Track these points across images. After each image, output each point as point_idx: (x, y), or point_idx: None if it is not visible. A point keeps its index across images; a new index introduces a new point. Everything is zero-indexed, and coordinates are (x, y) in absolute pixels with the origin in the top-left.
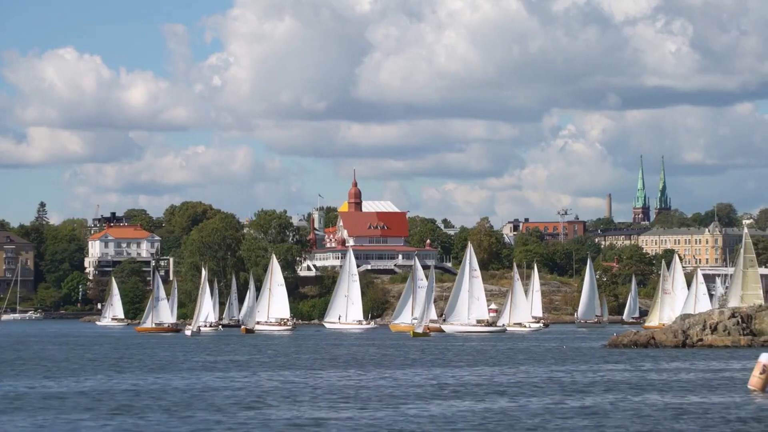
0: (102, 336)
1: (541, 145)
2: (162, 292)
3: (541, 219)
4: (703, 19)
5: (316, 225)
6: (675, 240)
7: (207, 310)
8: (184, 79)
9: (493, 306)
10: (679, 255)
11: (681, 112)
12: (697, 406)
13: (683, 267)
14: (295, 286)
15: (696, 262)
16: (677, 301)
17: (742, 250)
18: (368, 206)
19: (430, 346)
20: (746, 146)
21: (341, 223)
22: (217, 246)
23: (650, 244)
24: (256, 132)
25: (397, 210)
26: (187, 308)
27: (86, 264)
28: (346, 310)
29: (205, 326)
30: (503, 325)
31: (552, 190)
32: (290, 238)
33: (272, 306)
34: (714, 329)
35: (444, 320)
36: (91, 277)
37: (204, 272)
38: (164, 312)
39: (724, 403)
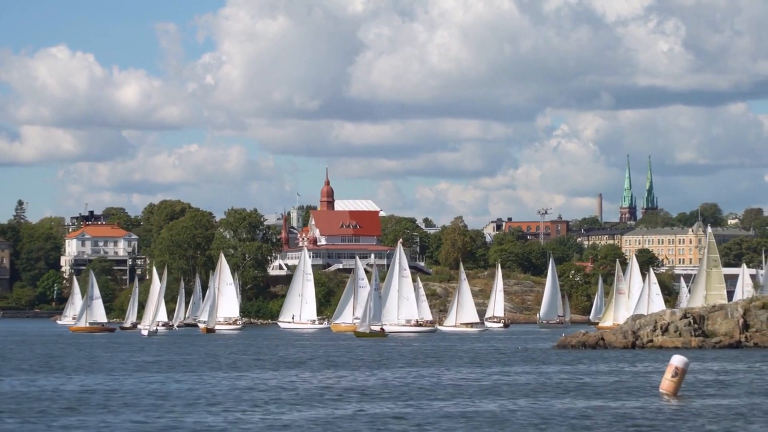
0: (39, 336)
1: (535, 144)
2: (96, 291)
3: (532, 219)
4: (696, 18)
5: (294, 224)
6: (658, 240)
7: (160, 310)
8: (177, 77)
9: None
10: (653, 255)
11: (674, 111)
12: (597, 410)
13: (662, 266)
14: (265, 285)
15: (679, 262)
16: (633, 302)
17: (705, 251)
18: (342, 205)
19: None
20: (739, 146)
21: (313, 222)
22: (186, 244)
23: (633, 243)
24: (249, 131)
25: (375, 209)
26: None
27: (63, 263)
28: (300, 310)
29: (159, 326)
30: (435, 325)
31: (545, 189)
32: (261, 237)
33: (221, 305)
34: (665, 330)
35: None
36: (67, 276)
37: (155, 272)
38: (98, 311)
39: (626, 407)
